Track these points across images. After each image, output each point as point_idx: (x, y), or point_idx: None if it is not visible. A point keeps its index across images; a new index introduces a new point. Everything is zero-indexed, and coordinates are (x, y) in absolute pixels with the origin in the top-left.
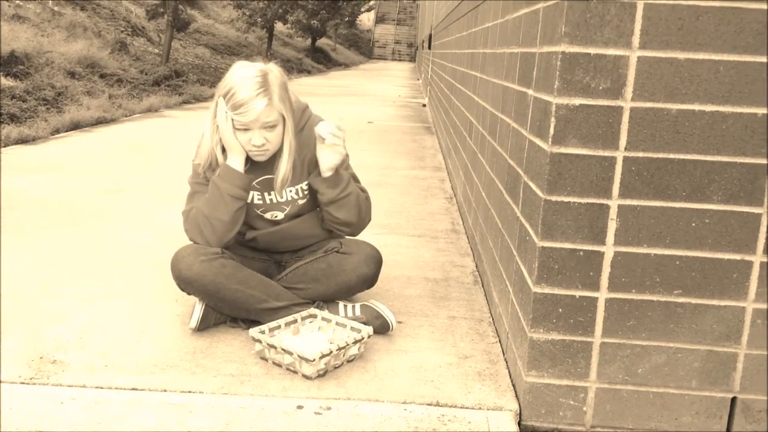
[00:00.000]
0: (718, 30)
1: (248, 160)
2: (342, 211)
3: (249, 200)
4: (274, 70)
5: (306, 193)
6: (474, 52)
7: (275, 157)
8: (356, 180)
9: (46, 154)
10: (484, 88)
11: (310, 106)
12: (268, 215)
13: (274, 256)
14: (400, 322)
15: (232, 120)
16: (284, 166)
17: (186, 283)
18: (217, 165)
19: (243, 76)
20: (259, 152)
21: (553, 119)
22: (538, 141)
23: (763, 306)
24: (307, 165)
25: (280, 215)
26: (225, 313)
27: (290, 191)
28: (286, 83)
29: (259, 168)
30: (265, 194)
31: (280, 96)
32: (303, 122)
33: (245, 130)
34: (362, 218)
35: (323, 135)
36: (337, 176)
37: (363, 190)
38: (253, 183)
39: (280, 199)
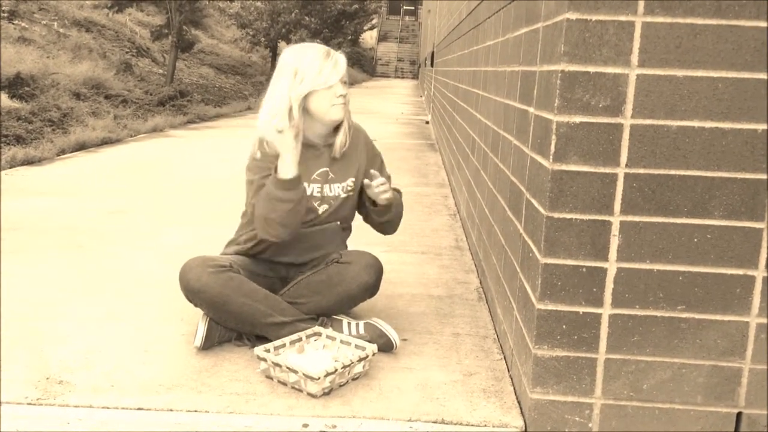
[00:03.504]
0: (716, 47)
1: (306, 153)
2: (385, 216)
3: (309, 192)
4: None
5: (350, 189)
6: (476, 69)
7: (330, 145)
8: (389, 179)
9: (52, 175)
10: (486, 105)
11: None
12: (321, 208)
13: (281, 271)
14: (404, 340)
15: (303, 96)
16: (343, 131)
17: (193, 294)
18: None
19: (309, 50)
20: (343, 104)
21: (554, 137)
22: (539, 158)
23: (767, 320)
24: (354, 165)
25: (327, 208)
26: (230, 326)
27: (338, 187)
28: None
29: (319, 160)
30: (324, 186)
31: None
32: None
33: (326, 89)
34: (398, 221)
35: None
36: (389, 205)
37: (398, 191)
38: (313, 175)
39: (329, 194)
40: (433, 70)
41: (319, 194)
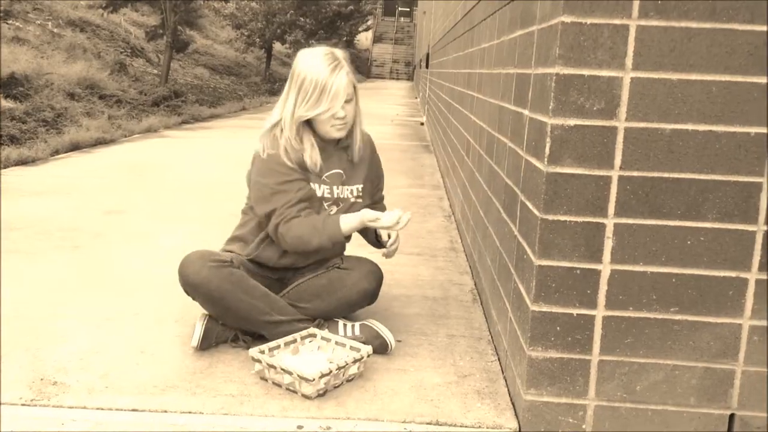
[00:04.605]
0: (710, 51)
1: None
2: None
3: (320, 194)
4: (336, 48)
5: (359, 194)
6: (471, 72)
7: (344, 148)
8: (382, 199)
9: (46, 176)
10: (481, 107)
11: None
12: (331, 209)
13: (279, 272)
14: (399, 341)
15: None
16: (358, 135)
17: (192, 287)
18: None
19: (314, 67)
20: (341, 125)
21: (548, 139)
22: (534, 161)
23: (760, 323)
24: (363, 172)
25: (337, 210)
26: (227, 322)
27: (348, 190)
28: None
29: (330, 162)
30: (334, 188)
31: (352, 69)
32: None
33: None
34: None
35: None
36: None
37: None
38: (323, 177)
39: (341, 195)
40: (429, 71)
41: (330, 195)
